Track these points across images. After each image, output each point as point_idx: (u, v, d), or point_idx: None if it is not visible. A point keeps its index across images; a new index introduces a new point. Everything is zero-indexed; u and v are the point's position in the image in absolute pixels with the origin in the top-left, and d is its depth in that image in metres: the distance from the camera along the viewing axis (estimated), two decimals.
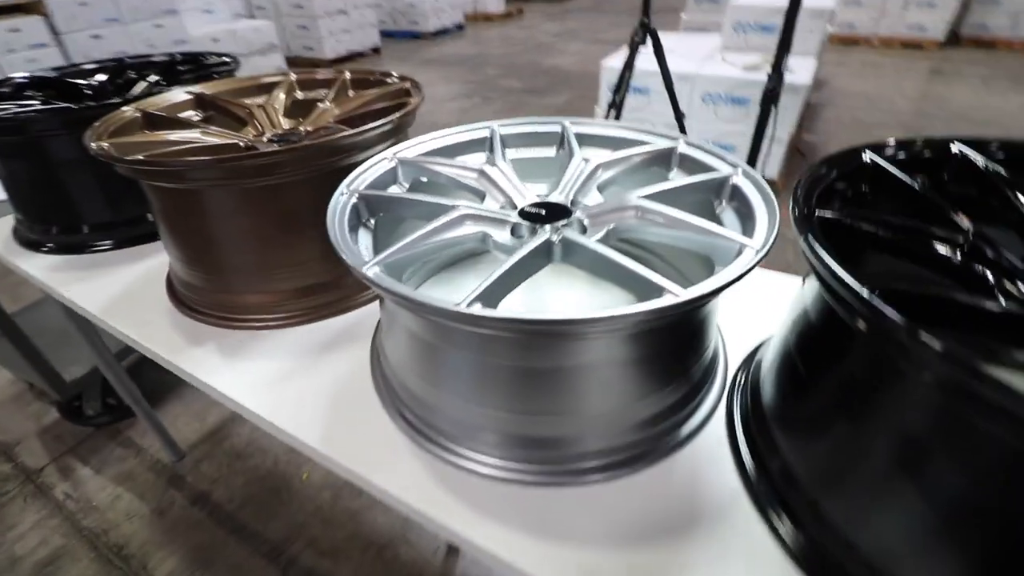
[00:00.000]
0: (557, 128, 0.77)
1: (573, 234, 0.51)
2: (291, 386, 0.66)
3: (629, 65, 2.00)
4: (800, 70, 2.80)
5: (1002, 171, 0.55)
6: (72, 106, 0.90)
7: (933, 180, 0.57)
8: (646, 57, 2.26)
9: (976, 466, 0.36)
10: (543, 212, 0.60)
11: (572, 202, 0.62)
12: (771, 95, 1.55)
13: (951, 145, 0.58)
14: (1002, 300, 0.43)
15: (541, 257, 0.50)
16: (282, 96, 0.95)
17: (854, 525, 0.45)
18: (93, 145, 0.70)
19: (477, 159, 0.76)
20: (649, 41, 1.92)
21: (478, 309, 0.40)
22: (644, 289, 0.45)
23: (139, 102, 0.85)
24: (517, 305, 0.70)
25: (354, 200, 0.59)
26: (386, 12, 6.93)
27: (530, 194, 0.64)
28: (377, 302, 0.81)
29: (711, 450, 0.56)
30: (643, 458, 0.54)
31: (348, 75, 0.98)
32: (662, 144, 0.70)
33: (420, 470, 0.55)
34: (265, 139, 0.82)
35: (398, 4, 6.84)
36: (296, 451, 0.62)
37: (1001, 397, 0.31)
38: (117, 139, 0.74)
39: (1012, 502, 0.35)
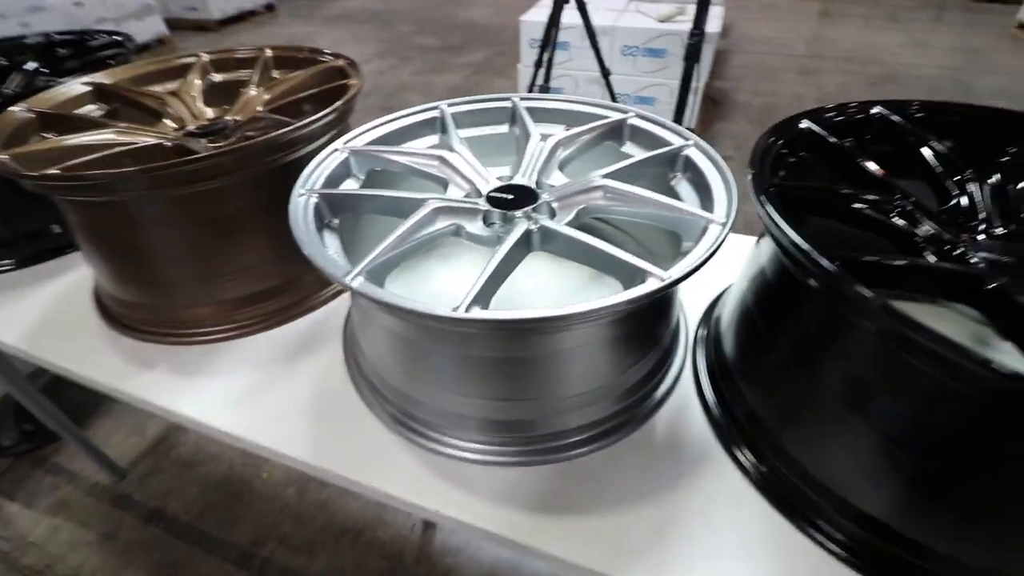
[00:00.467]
0: (507, 104, 0.76)
1: (550, 222, 0.52)
2: (264, 399, 0.63)
3: (555, 22, 1.97)
4: (711, 19, 2.88)
5: (915, 128, 0.61)
6: None
7: (859, 141, 0.63)
8: (565, 10, 2.23)
9: (909, 398, 0.43)
10: (511, 197, 0.59)
11: (537, 183, 0.62)
12: (694, 51, 1.59)
13: (872, 108, 0.63)
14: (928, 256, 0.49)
15: (522, 248, 0.51)
16: (197, 81, 0.86)
17: (809, 455, 0.52)
18: None
19: (429, 142, 0.74)
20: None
21: (480, 313, 0.40)
22: (626, 273, 0.46)
23: (29, 100, 0.74)
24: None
25: (315, 200, 0.55)
26: None
27: (492, 177, 0.63)
28: (339, 298, 0.78)
29: (683, 406, 0.61)
30: (624, 427, 0.57)
31: (269, 52, 0.90)
32: (613, 116, 0.71)
33: (416, 467, 0.56)
34: (190, 133, 0.75)
35: None
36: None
37: (926, 339, 0.36)
38: (15, 149, 0.64)
39: (938, 428, 0.42)
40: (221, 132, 0.74)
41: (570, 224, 0.56)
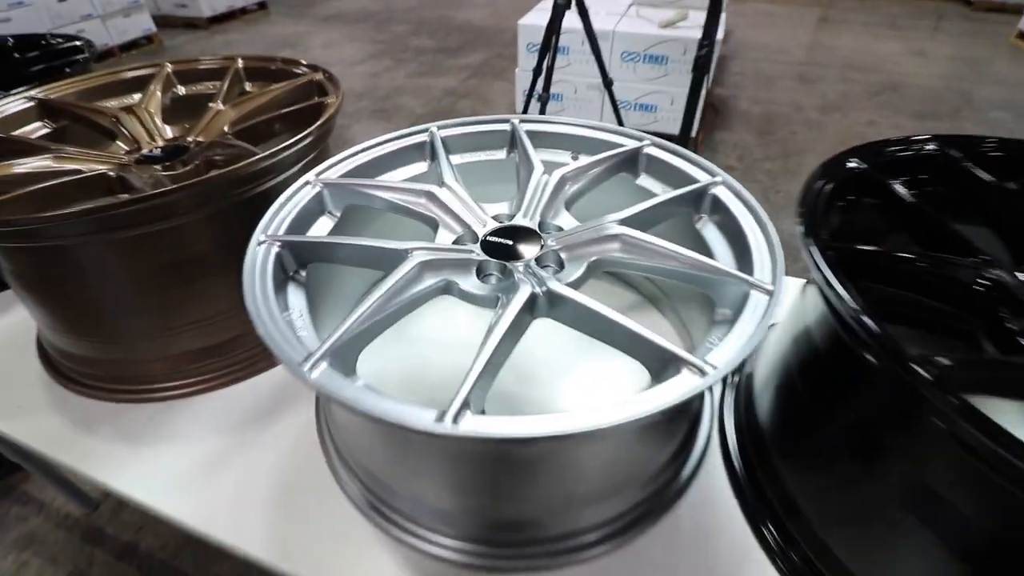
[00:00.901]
0: (506, 127, 0.67)
1: (558, 284, 0.43)
2: (222, 477, 0.54)
3: (555, 28, 1.88)
4: None
5: (978, 169, 0.53)
6: None
7: (914, 182, 0.55)
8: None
9: (985, 513, 0.35)
10: (510, 243, 0.51)
11: (540, 225, 0.54)
12: (703, 62, 1.51)
13: (928, 144, 0.55)
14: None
15: (524, 317, 0.42)
16: (158, 95, 0.77)
17: (858, 560, 0.44)
18: None
19: (417, 169, 0.65)
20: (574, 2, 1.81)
21: (472, 426, 0.31)
22: (654, 357, 0.38)
23: None
24: None
25: (276, 249, 0.47)
26: None
27: (489, 217, 0.55)
28: None
29: (711, 486, 0.53)
30: (646, 518, 0.49)
31: (241, 63, 0.81)
32: (627, 144, 0.62)
33: (398, 570, 0.47)
34: (144, 157, 0.66)
35: None
36: None
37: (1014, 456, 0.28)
38: None
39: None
40: (180, 156, 0.65)
41: (582, 279, 0.47)
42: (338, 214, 0.57)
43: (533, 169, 0.59)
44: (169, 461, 0.56)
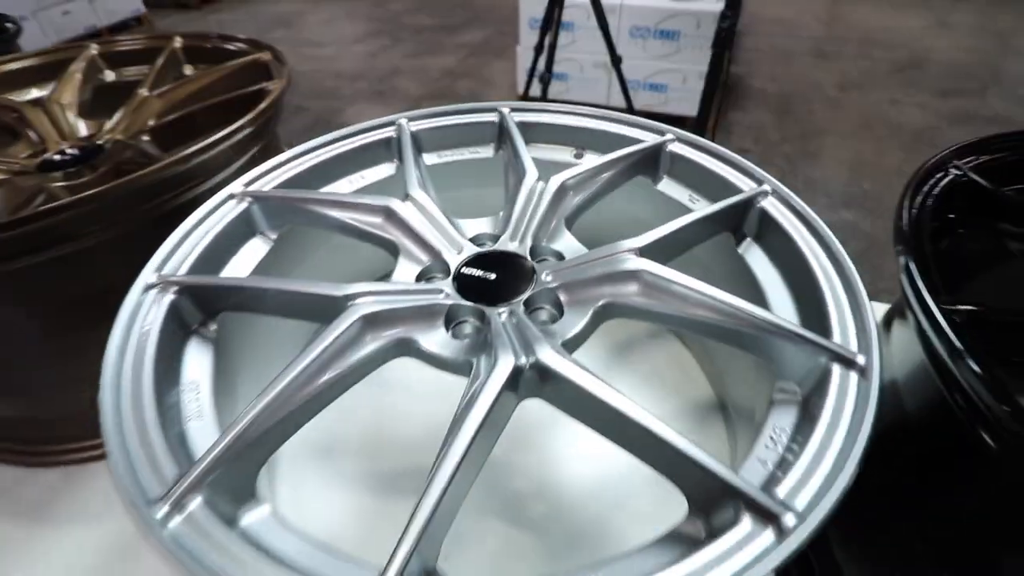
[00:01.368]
0: (492, 118, 0.54)
1: (553, 356, 0.30)
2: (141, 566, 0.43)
3: (558, 1, 1.72)
4: None
5: None
6: None
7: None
8: None
9: None
10: (493, 277, 0.38)
11: (533, 250, 0.41)
12: (726, 36, 1.35)
13: None
14: None
15: (507, 402, 0.30)
16: (77, 82, 0.64)
17: None
18: None
19: (384, 172, 0.52)
20: None
21: None
22: (695, 483, 0.25)
23: None
24: None
25: (171, 297, 0.34)
26: None
27: (467, 238, 0.42)
28: None
29: None
30: None
31: (179, 43, 0.68)
32: (645, 140, 0.49)
33: None
34: (47, 162, 0.53)
35: None
36: None
37: None
38: None
39: None
40: (89, 160, 0.53)
41: (585, 332, 0.35)
42: (274, 236, 0.44)
43: (525, 174, 0.46)
44: (75, 544, 0.45)
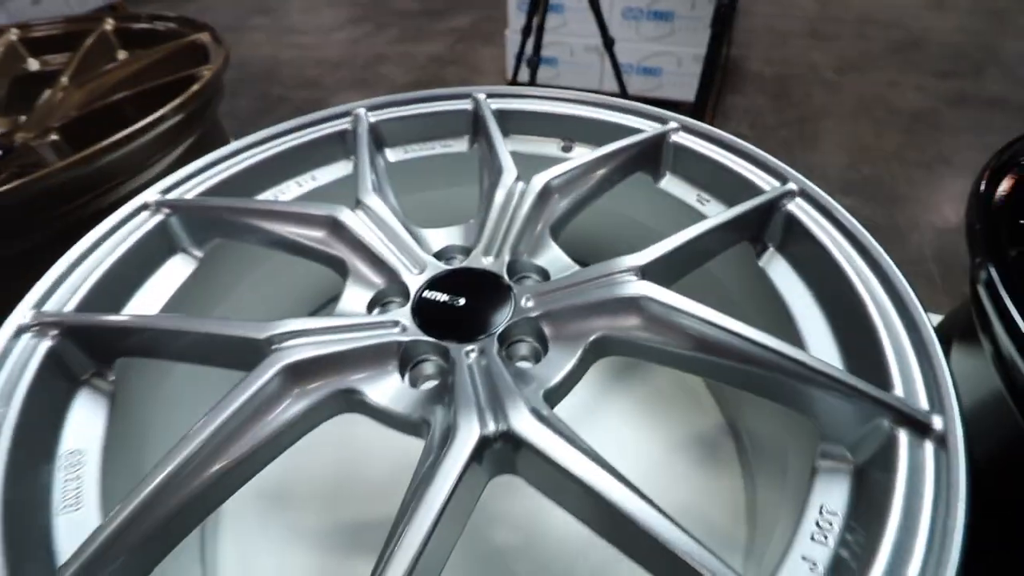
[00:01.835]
0: (466, 105, 0.47)
1: (528, 421, 0.23)
2: None
3: None
4: None
5: None
6: None
7: None
8: None
9: None
10: (461, 303, 0.31)
11: (511, 267, 0.34)
12: (726, 14, 1.27)
13: None
14: None
15: (475, 480, 0.23)
16: None
17: None
18: None
19: (340, 171, 0.45)
20: None
21: None
22: None
23: None
24: None
25: (49, 343, 0.27)
26: None
27: (430, 254, 0.35)
28: None
29: None
30: None
31: (111, 24, 0.59)
32: (645, 130, 0.42)
33: None
34: None
35: None
36: None
37: None
38: None
39: None
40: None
41: (574, 375, 0.28)
42: (200, 254, 0.36)
43: (502, 173, 0.38)
44: None
